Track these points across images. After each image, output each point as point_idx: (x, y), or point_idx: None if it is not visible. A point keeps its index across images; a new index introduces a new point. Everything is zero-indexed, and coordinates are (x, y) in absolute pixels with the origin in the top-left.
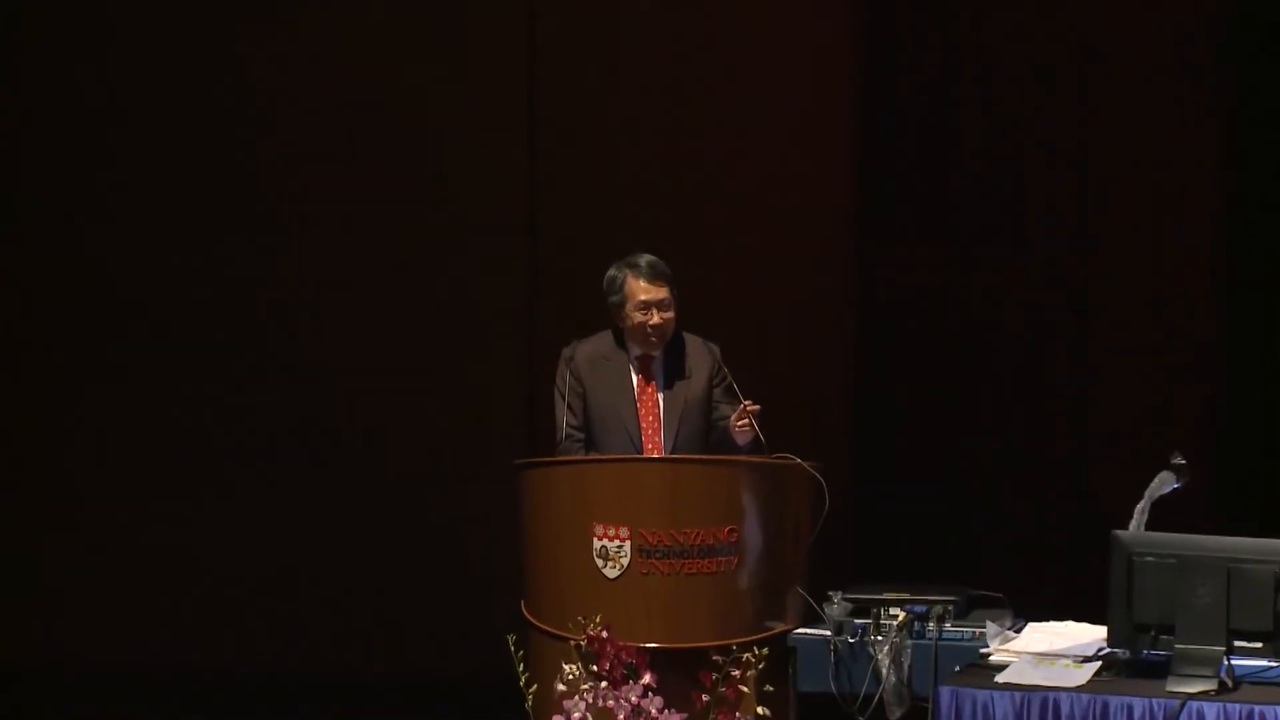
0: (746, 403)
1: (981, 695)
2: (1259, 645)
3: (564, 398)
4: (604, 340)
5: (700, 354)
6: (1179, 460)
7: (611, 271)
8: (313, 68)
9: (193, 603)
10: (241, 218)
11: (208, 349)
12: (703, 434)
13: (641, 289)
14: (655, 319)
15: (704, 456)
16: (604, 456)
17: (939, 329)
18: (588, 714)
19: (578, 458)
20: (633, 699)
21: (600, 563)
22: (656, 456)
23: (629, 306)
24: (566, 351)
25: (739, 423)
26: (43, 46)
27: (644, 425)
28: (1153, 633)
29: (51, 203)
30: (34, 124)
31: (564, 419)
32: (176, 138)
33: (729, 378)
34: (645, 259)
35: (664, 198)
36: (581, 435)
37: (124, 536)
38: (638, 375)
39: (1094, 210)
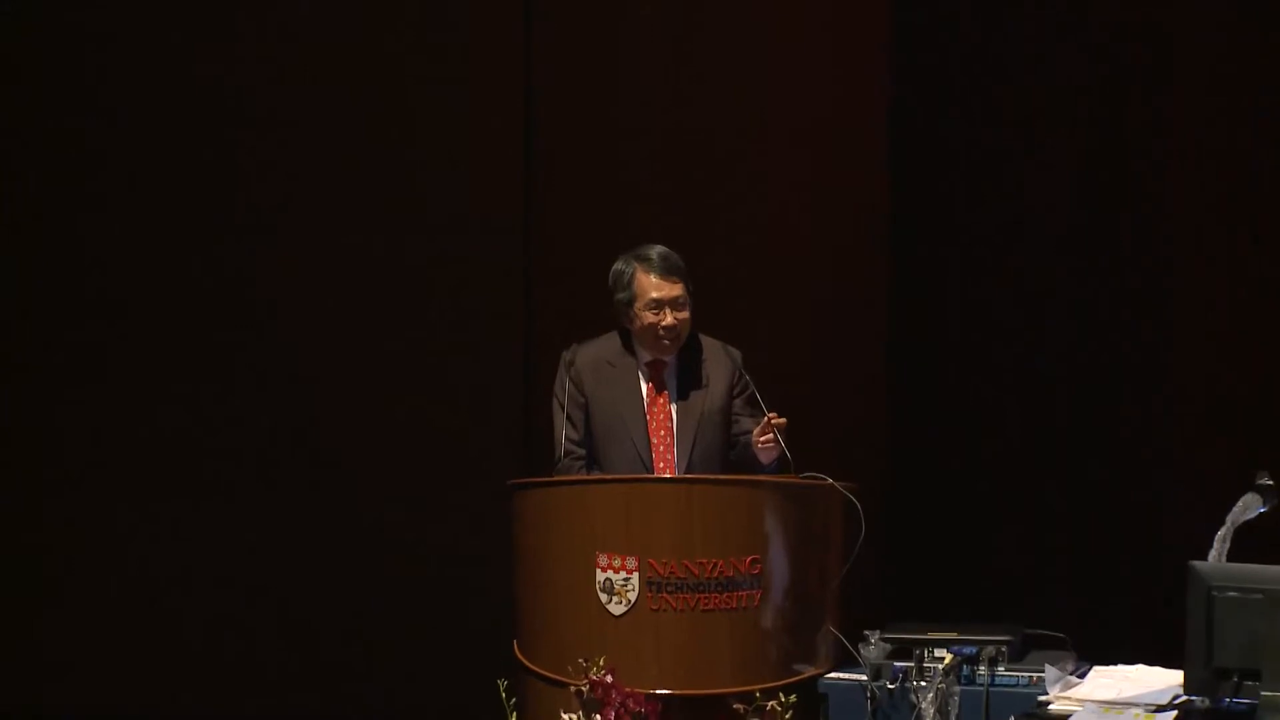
0: (771, 415)
1: None
2: None
3: (563, 409)
4: (609, 343)
5: (719, 360)
6: (1266, 481)
7: (619, 265)
8: (304, 62)
9: (158, 639)
10: (228, 217)
11: (179, 353)
12: (721, 450)
13: (653, 285)
14: (668, 319)
15: (723, 476)
16: (608, 476)
17: (982, 338)
18: None
19: (578, 477)
20: None
21: (604, 597)
22: (668, 476)
23: (639, 305)
24: (566, 355)
25: (762, 438)
26: (27, 41)
27: (654, 440)
28: (1235, 678)
29: (37, 201)
30: (24, 123)
31: (563, 433)
32: (162, 134)
33: (751, 387)
34: (656, 250)
35: (671, 197)
36: (582, 452)
37: (103, 546)
38: (647, 383)
39: (1163, 213)
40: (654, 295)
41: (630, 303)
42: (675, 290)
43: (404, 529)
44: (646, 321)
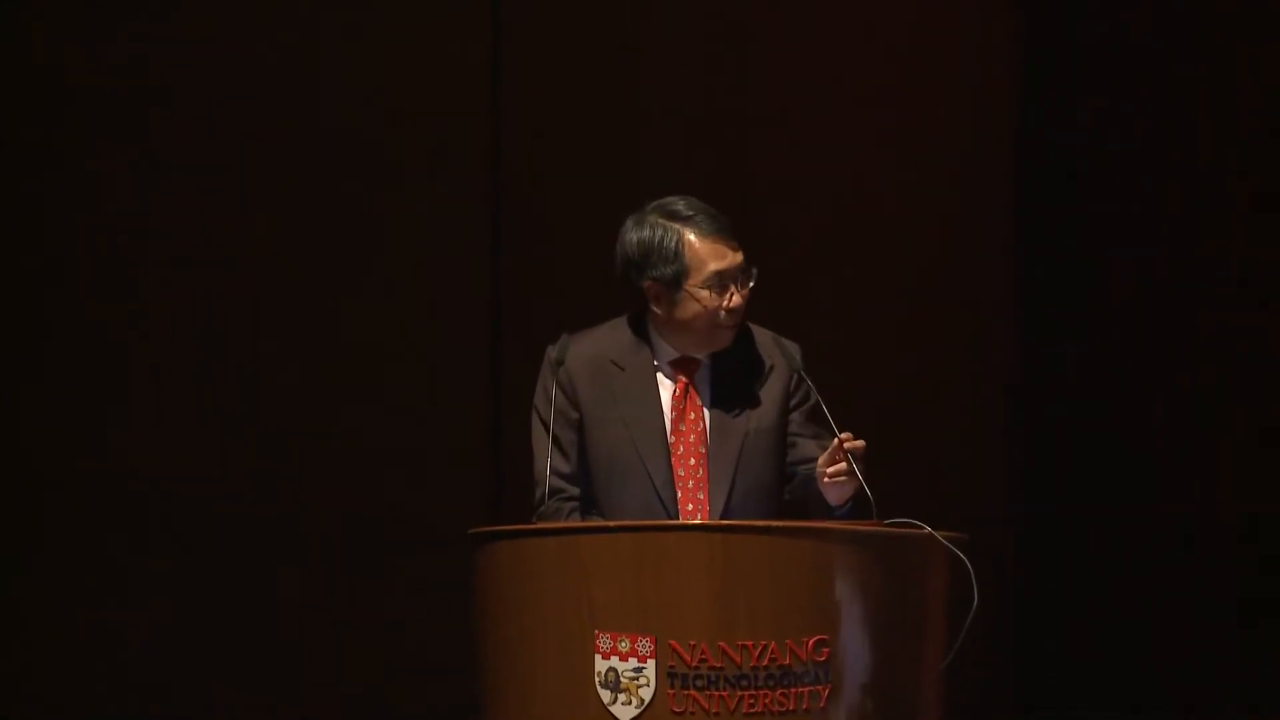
0: (843, 436)
1: None
2: None
3: (548, 429)
4: (614, 335)
5: (771, 357)
6: None
7: (646, 231)
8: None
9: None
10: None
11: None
12: (774, 486)
13: (712, 252)
14: (736, 299)
15: (776, 523)
16: (613, 523)
17: (1127, 347)
18: None
19: (570, 524)
20: None
21: (607, 695)
22: (699, 523)
23: (693, 281)
24: (553, 353)
25: (832, 469)
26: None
27: (680, 473)
28: None
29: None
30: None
31: (547, 463)
32: (112, 123)
33: (814, 396)
34: (697, 205)
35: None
36: (575, 491)
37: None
38: (672, 391)
39: None
40: (715, 267)
41: (679, 280)
42: (738, 257)
43: (330, 598)
44: (706, 306)
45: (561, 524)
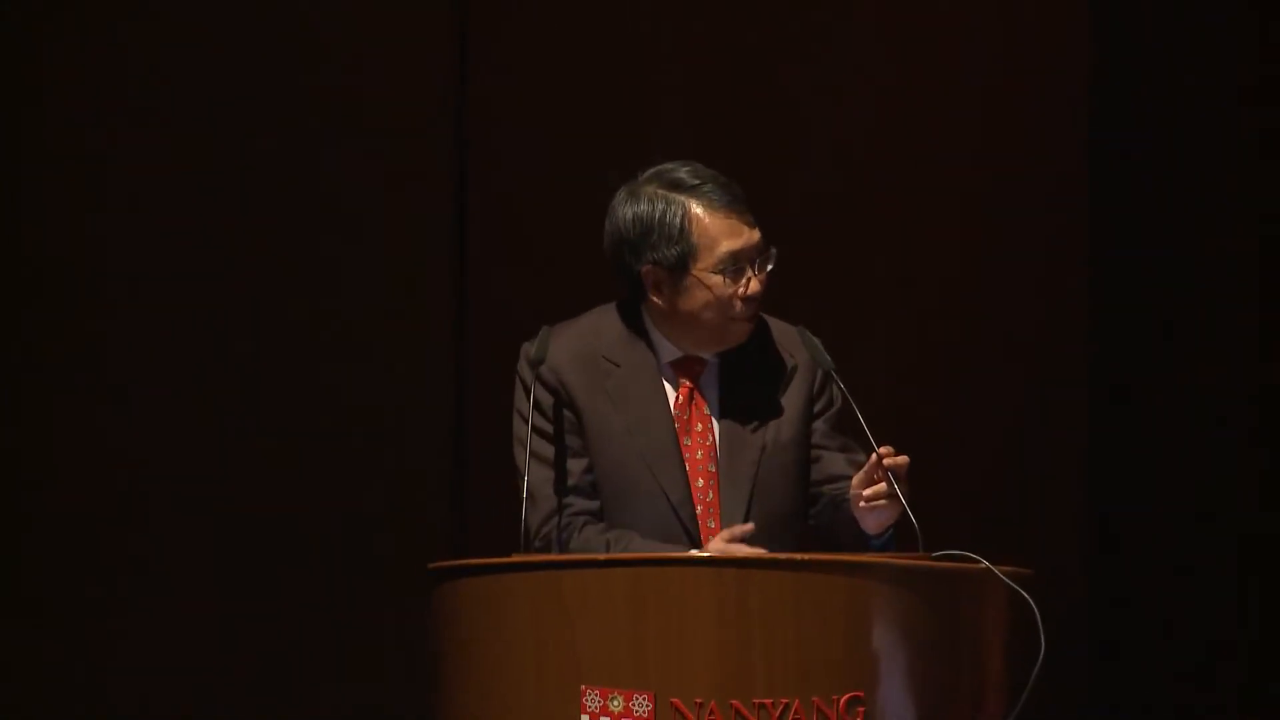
0: (882, 450)
1: None
2: None
3: (546, 438)
4: (602, 326)
5: (793, 356)
6: None
7: (644, 205)
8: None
9: None
10: None
11: None
12: (797, 510)
13: (725, 228)
14: (754, 286)
15: (802, 556)
16: (601, 555)
17: (1209, 364)
18: None
19: (551, 557)
20: None
21: None
22: (708, 555)
23: (704, 263)
24: (531, 349)
25: (869, 490)
26: None
27: (691, 490)
28: None
29: None
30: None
31: (543, 476)
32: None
33: (841, 399)
34: (705, 172)
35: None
36: (593, 504)
37: None
38: (676, 395)
39: None
40: (728, 247)
41: (685, 263)
42: (755, 234)
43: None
44: (718, 294)
45: (539, 557)
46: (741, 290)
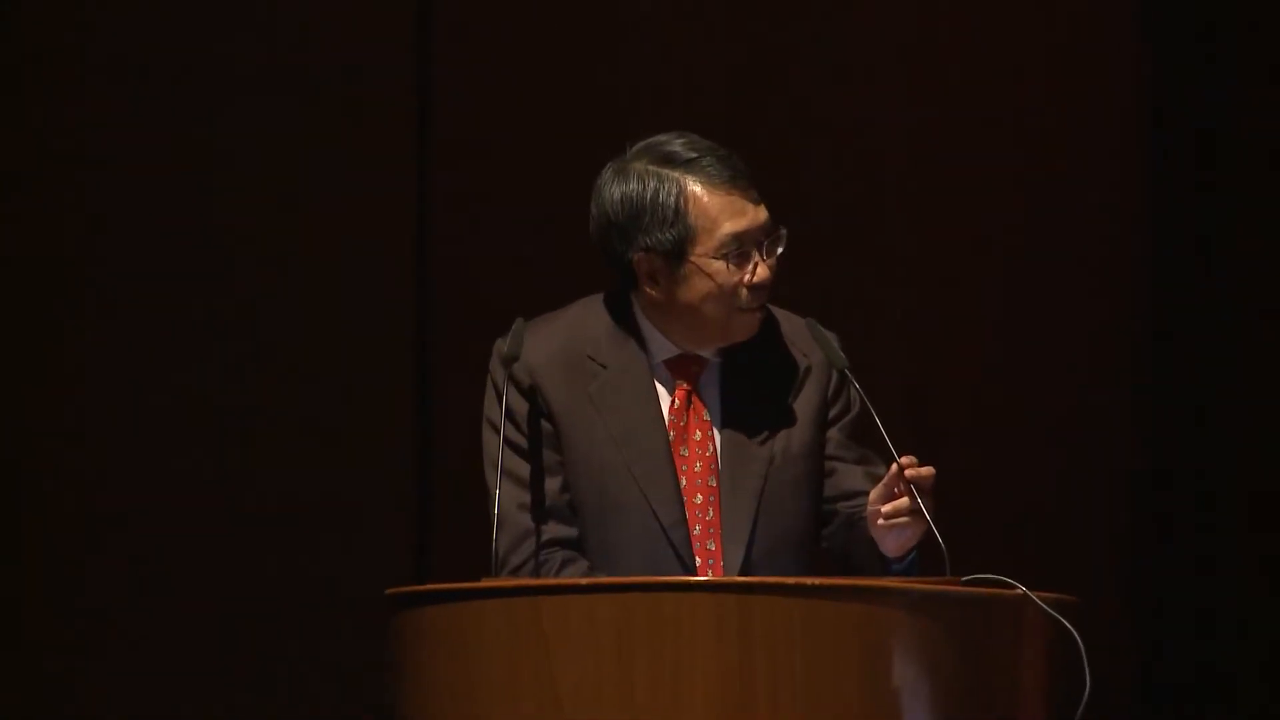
0: (904, 461)
1: None
2: None
3: (518, 451)
4: (586, 321)
5: (806, 354)
6: None
7: (633, 184)
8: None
9: None
10: None
11: None
12: (809, 530)
13: (728, 207)
14: (762, 272)
15: (813, 581)
16: (583, 580)
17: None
18: None
19: (527, 582)
20: None
21: None
22: (706, 580)
23: (703, 248)
24: (504, 346)
25: (889, 506)
26: None
27: (687, 508)
28: None
29: None
30: None
31: (514, 496)
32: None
33: (859, 404)
34: (702, 144)
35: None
36: (570, 532)
37: None
38: (671, 399)
39: None
40: (731, 229)
41: (682, 248)
42: (761, 213)
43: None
44: (721, 282)
45: (513, 582)
46: (747, 277)
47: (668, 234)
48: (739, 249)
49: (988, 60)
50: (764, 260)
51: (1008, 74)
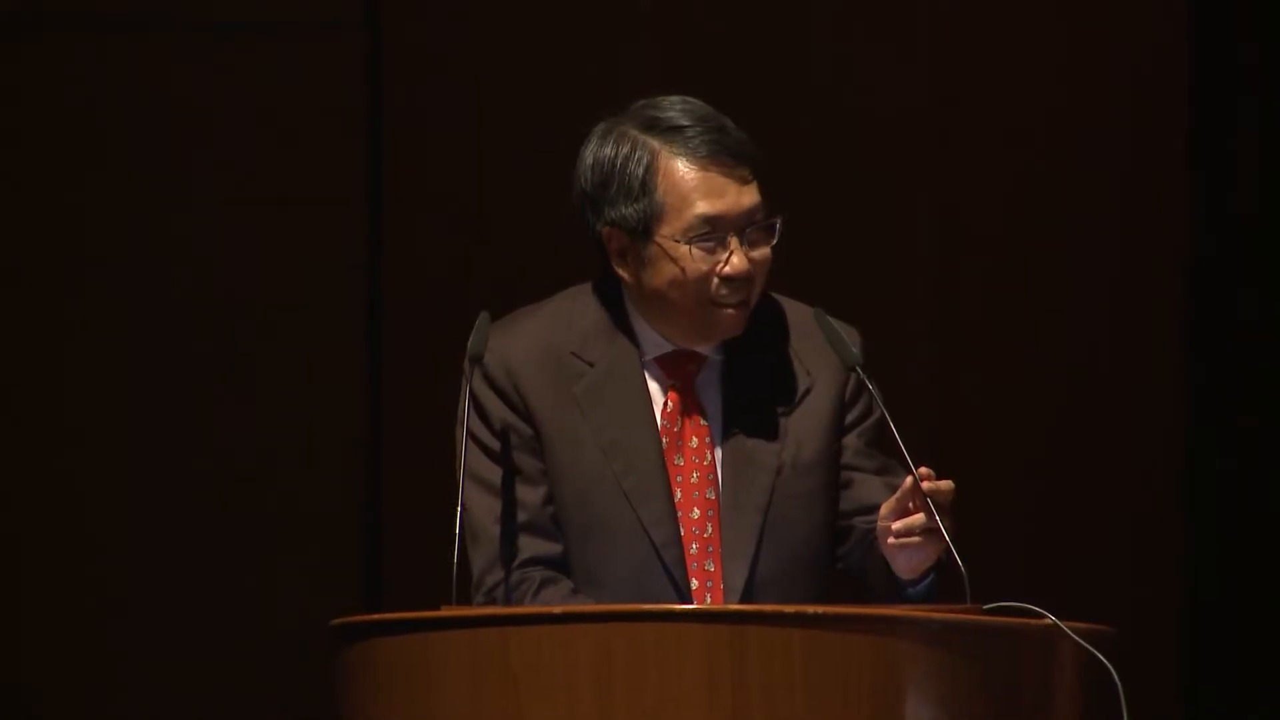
0: (921, 472)
1: None
2: None
3: (492, 458)
4: (571, 314)
5: (820, 352)
6: None
7: (609, 148)
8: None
9: None
10: None
11: None
12: (821, 550)
13: (702, 183)
14: (737, 262)
15: (815, 609)
16: (556, 609)
17: None
18: None
19: (492, 611)
20: None
21: None
22: (697, 608)
23: (670, 228)
24: (477, 347)
25: (901, 523)
26: None
27: (683, 524)
28: None
29: None
30: None
31: (488, 509)
32: None
33: (876, 411)
34: (697, 110)
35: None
36: (555, 549)
37: None
38: (665, 401)
39: None
40: (703, 209)
41: (647, 225)
42: (747, 195)
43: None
44: (688, 269)
45: (476, 611)
46: (720, 267)
47: (632, 208)
48: (712, 233)
49: (1008, 51)
50: (745, 250)
51: (1027, 65)
